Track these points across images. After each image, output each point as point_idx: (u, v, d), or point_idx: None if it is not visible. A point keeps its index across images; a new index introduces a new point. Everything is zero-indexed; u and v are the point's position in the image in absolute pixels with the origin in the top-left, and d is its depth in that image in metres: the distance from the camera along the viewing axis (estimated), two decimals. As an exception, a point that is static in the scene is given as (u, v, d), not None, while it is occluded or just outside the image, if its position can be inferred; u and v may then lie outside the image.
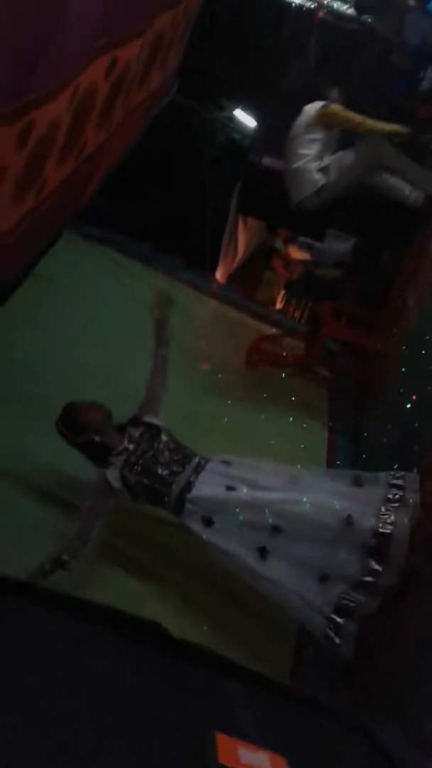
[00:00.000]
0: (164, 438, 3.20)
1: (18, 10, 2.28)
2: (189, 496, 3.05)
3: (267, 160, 5.82)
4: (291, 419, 4.85)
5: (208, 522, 3.00)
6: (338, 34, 7.16)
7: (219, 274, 7.52)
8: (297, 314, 8.16)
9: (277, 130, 6.04)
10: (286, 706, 1.78)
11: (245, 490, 3.06)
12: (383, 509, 2.88)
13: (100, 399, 3.38)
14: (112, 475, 3.08)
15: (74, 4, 2.80)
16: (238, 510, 3.00)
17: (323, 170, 5.30)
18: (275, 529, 2.94)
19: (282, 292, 8.55)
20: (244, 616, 3.38)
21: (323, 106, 5.37)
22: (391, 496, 2.93)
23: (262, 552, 2.93)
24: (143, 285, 5.36)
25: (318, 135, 5.35)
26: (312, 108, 5.45)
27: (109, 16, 3.59)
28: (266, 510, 2.97)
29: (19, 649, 1.41)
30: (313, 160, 5.31)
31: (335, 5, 7.58)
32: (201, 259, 6.97)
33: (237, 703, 1.52)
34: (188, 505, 3.05)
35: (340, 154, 5.36)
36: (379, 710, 2.61)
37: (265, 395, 5.09)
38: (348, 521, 2.87)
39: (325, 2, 7.46)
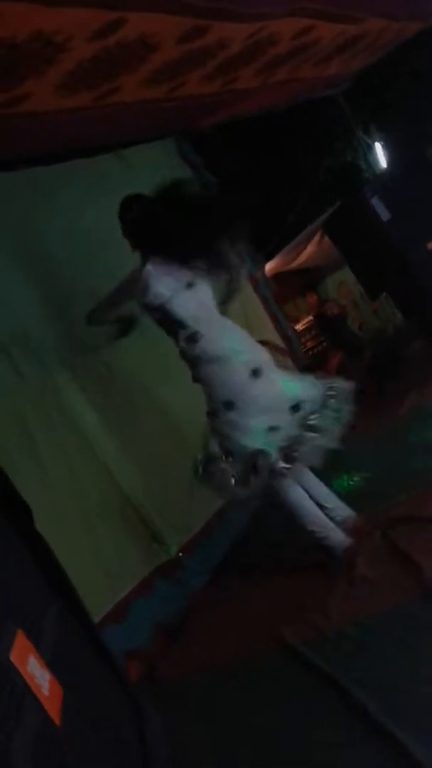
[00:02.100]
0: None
1: None
2: None
3: (376, 201, 5.80)
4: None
5: None
6: None
7: (268, 266, 7.50)
8: (309, 344, 8.19)
9: (401, 185, 6.02)
10: (86, 648, 1.81)
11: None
12: None
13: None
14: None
15: None
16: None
17: None
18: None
19: (309, 318, 8.57)
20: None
21: None
22: None
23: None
24: None
25: None
26: None
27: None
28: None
29: None
30: None
31: None
32: (263, 246, 6.93)
33: (49, 617, 1.54)
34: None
35: None
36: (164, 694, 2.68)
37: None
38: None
39: None
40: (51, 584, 1.74)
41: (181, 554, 3.77)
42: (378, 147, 7.59)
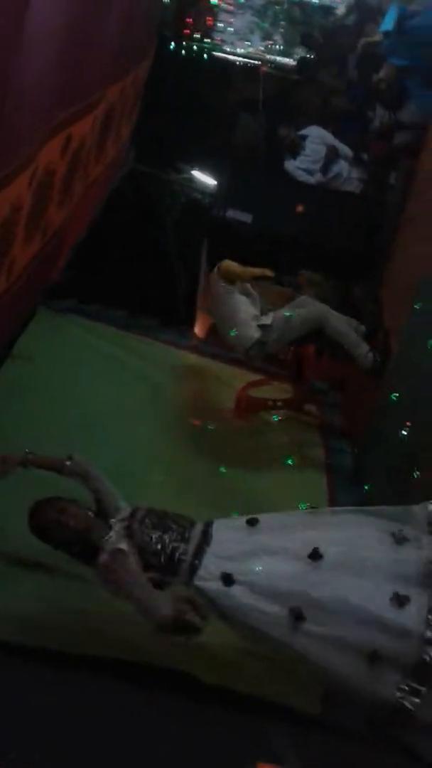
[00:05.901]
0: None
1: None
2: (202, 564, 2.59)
3: (231, 213, 5.94)
4: (288, 464, 4.82)
5: (227, 580, 2.52)
6: (283, 85, 7.49)
7: (197, 330, 7.54)
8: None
9: (236, 183, 6.20)
10: (324, 736, 1.73)
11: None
12: None
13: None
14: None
15: (27, 89, 2.89)
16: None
17: (264, 327, 5.00)
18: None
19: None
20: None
21: (217, 267, 5.15)
22: None
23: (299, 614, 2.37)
24: (120, 348, 5.40)
25: (231, 288, 5.08)
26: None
27: (60, 94, 3.71)
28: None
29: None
30: (246, 314, 5.05)
31: (277, 59, 8.00)
32: (178, 318, 7.00)
33: (275, 736, 1.48)
34: (201, 572, 2.57)
35: (281, 314, 5.02)
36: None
37: (259, 442, 5.09)
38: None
39: (268, 57, 7.84)
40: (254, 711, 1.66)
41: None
42: (197, 173, 7.85)
